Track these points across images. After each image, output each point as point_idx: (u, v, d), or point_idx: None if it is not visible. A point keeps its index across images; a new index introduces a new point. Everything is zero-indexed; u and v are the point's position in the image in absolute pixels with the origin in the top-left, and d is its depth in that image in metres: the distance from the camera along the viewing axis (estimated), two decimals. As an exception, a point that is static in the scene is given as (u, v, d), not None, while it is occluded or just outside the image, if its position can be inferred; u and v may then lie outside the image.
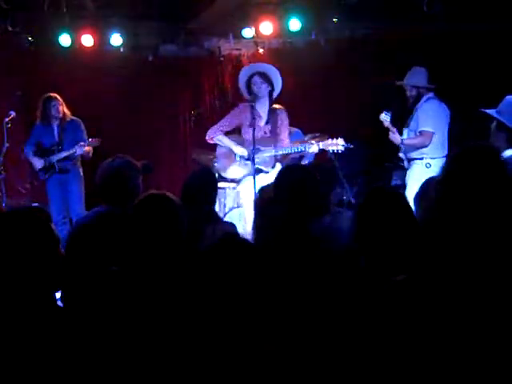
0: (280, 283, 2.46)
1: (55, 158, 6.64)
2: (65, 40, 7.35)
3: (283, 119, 5.93)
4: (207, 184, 3.94)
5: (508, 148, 3.77)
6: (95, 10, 7.32)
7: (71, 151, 6.58)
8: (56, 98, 6.67)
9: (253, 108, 5.74)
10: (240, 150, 5.92)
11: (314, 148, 5.72)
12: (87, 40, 7.42)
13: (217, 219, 3.93)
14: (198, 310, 2.31)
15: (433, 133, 5.64)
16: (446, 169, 2.25)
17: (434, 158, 5.65)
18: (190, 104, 8.11)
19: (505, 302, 1.97)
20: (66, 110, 6.71)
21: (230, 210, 6.25)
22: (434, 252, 2.13)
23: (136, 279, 2.46)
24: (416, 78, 5.81)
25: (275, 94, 5.92)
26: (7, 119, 6.63)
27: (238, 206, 6.29)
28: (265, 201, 3.30)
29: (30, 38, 7.44)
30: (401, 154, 5.93)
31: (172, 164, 8.11)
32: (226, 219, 6.07)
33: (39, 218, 2.26)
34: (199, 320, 2.29)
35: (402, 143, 5.76)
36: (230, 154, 5.99)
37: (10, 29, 7.17)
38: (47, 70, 7.66)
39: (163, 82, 7.98)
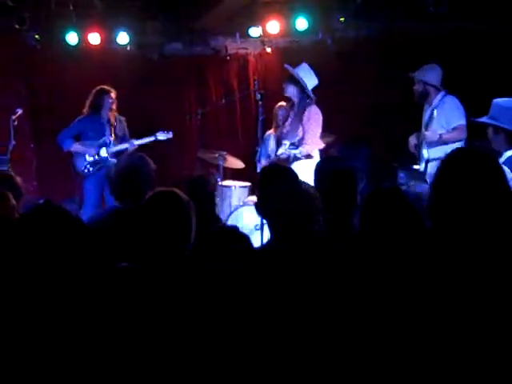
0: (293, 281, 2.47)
1: (109, 150, 6.60)
2: (72, 38, 7.38)
3: (308, 118, 5.85)
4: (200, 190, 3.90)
5: (509, 149, 3.82)
6: (102, 9, 7.35)
7: (123, 146, 6.61)
8: (111, 91, 6.58)
9: (259, 106, 5.81)
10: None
11: (281, 150, 5.74)
12: (94, 38, 7.45)
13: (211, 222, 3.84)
14: (203, 307, 2.32)
15: (465, 125, 5.45)
16: (440, 171, 2.25)
17: None
18: (196, 103, 8.11)
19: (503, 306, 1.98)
20: (116, 104, 6.67)
21: (236, 208, 6.25)
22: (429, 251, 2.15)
23: (145, 276, 2.47)
24: (427, 74, 5.70)
25: (310, 90, 5.87)
26: (14, 117, 6.63)
27: (244, 204, 6.31)
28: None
29: (36, 36, 7.48)
30: (424, 155, 5.70)
31: (178, 162, 8.11)
32: (231, 218, 6.10)
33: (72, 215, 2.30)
34: (205, 317, 2.30)
35: (440, 138, 5.49)
36: None
37: (17, 27, 7.20)
38: (54, 68, 7.69)
39: (169, 80, 7.99)
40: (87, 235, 2.32)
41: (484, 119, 3.98)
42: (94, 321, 2.25)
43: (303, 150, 5.66)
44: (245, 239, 2.65)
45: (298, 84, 5.84)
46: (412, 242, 2.39)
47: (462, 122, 5.48)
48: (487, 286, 1.98)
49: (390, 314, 2.10)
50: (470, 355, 1.94)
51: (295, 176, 3.21)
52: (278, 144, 5.92)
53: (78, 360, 2.14)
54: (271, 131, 6.95)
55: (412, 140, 5.79)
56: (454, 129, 5.53)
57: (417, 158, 5.80)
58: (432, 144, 5.56)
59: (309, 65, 6.08)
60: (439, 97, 5.66)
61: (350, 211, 3.20)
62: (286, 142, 5.65)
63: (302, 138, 5.71)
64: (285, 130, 5.94)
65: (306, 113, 5.83)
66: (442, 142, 5.48)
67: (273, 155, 6.06)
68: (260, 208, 3.00)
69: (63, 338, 2.15)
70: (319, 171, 3.57)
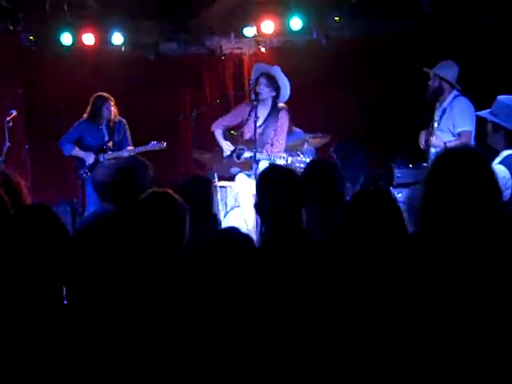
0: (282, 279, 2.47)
1: (106, 156, 6.64)
2: (66, 39, 7.36)
3: (281, 125, 5.91)
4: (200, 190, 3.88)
5: (506, 148, 3.80)
6: (96, 9, 7.33)
7: (118, 154, 6.62)
8: (110, 98, 6.64)
9: (255, 107, 5.76)
10: (225, 149, 6.11)
11: (281, 162, 5.71)
12: (88, 39, 7.42)
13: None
14: (197, 308, 2.31)
15: (471, 131, 5.43)
16: (430, 171, 2.25)
17: None
18: (191, 103, 8.10)
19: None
20: (115, 111, 6.70)
21: (232, 208, 6.24)
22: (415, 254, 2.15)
23: (139, 277, 2.46)
24: (444, 69, 5.67)
25: (280, 101, 5.93)
26: (8, 118, 6.61)
27: (240, 205, 6.29)
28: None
29: (31, 37, 7.44)
30: (432, 150, 5.60)
31: (173, 163, 8.10)
32: (227, 218, 6.09)
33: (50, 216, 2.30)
34: (199, 318, 2.29)
35: (445, 146, 5.32)
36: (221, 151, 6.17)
37: (11, 28, 7.17)
38: (48, 68, 7.67)
39: (164, 80, 7.98)
40: (68, 239, 2.33)
41: (485, 115, 3.94)
42: (85, 321, 2.24)
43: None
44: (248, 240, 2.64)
45: (277, 90, 5.88)
46: (394, 244, 2.40)
47: (468, 127, 5.44)
48: (477, 287, 1.98)
49: (379, 315, 2.09)
50: (455, 360, 1.94)
51: (297, 177, 3.21)
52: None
53: (68, 362, 2.13)
54: None
55: (422, 136, 5.77)
56: (459, 134, 5.49)
57: (425, 155, 5.80)
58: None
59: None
60: (451, 96, 5.62)
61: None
62: (286, 157, 5.68)
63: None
64: (256, 134, 5.93)
65: (282, 119, 5.89)
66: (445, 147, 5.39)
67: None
68: (259, 208, 3.01)
69: (44, 339, 2.14)
70: None
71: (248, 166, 5.86)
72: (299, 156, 5.66)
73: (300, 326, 2.27)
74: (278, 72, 5.93)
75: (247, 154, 5.83)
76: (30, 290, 2.23)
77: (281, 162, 5.70)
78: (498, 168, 3.63)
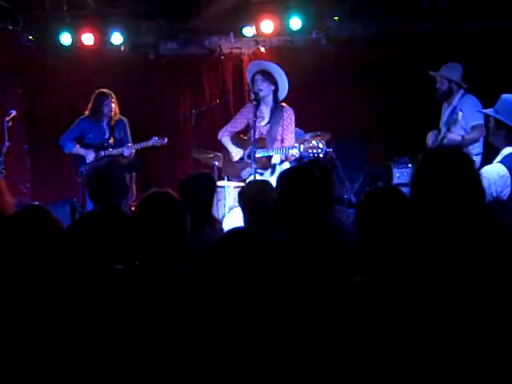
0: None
1: (107, 153, 6.57)
2: (66, 39, 7.37)
3: (286, 119, 5.91)
4: (203, 188, 3.88)
5: (507, 145, 3.81)
6: (96, 9, 7.33)
7: (119, 151, 6.58)
8: (110, 95, 6.58)
9: (255, 107, 5.75)
10: (235, 153, 6.09)
11: (294, 151, 5.66)
12: (88, 39, 7.44)
13: (211, 224, 3.86)
14: (200, 308, 2.31)
15: (483, 124, 5.40)
16: (416, 169, 2.28)
17: (477, 155, 5.44)
18: (191, 102, 8.11)
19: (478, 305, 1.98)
20: (116, 108, 6.64)
21: (231, 209, 6.23)
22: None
23: (141, 277, 2.46)
24: (451, 71, 5.72)
25: (281, 94, 5.92)
26: (8, 118, 6.61)
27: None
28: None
29: (30, 37, 7.46)
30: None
31: (172, 163, 8.11)
32: (226, 219, 6.08)
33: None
34: (202, 318, 2.29)
35: (462, 140, 5.48)
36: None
37: (10, 28, 7.19)
38: (48, 68, 7.68)
39: (164, 80, 8.00)
40: (65, 239, 2.33)
41: (489, 111, 3.97)
42: (85, 322, 2.24)
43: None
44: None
45: (275, 84, 5.88)
46: (410, 240, 2.39)
47: (481, 121, 5.46)
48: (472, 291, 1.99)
49: (392, 313, 2.10)
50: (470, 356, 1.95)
51: (317, 177, 3.22)
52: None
53: (69, 362, 2.13)
54: None
55: (430, 136, 5.80)
56: (473, 128, 5.53)
57: None
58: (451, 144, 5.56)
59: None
60: (459, 95, 5.69)
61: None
62: (298, 145, 5.65)
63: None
64: (264, 132, 5.92)
65: (287, 113, 5.89)
66: (462, 143, 5.45)
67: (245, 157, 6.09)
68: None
69: (49, 339, 2.15)
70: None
71: (261, 164, 5.86)
72: (311, 142, 5.62)
73: (331, 321, 2.27)
74: (272, 66, 5.93)
75: (258, 153, 5.82)
76: (27, 291, 2.23)
77: (294, 151, 5.68)
78: (498, 167, 3.65)
